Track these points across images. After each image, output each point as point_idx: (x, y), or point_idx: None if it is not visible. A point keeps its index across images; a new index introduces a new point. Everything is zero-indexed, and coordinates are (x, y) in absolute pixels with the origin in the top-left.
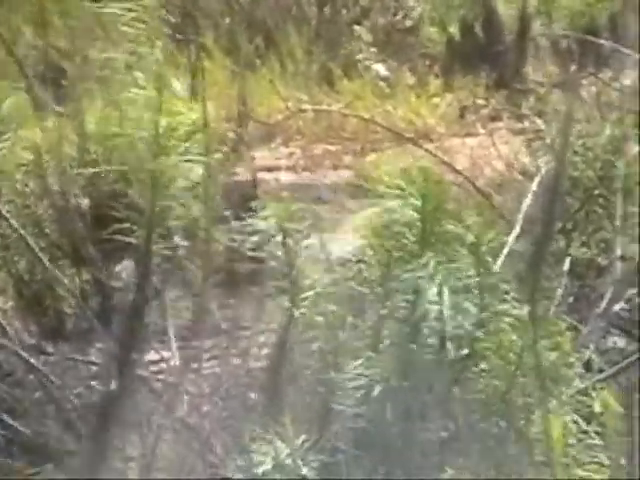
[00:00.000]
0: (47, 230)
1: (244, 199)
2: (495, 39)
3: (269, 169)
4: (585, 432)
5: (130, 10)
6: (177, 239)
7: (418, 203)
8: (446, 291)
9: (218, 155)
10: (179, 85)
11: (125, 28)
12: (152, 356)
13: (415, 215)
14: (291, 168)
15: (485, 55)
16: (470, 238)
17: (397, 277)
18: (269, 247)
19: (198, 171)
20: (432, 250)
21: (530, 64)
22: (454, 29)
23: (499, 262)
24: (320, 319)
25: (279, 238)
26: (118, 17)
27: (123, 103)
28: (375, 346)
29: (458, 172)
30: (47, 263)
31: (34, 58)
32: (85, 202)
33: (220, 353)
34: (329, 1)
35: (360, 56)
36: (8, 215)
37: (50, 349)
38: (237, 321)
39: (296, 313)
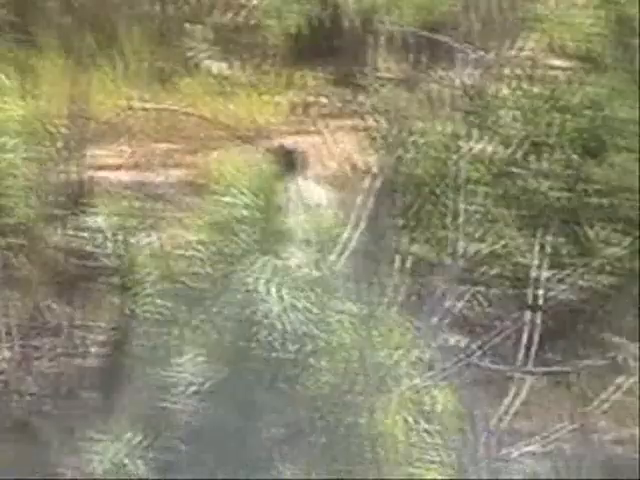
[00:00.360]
0: None
1: (77, 197)
2: (336, 33)
3: (110, 167)
4: (422, 430)
5: None
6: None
7: (252, 200)
8: (276, 289)
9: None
10: (8, 82)
11: None
12: None
13: (249, 212)
14: (132, 167)
15: (326, 50)
16: (307, 235)
17: (231, 274)
18: (103, 244)
19: (30, 169)
20: (266, 247)
21: (372, 59)
22: (294, 22)
23: (341, 260)
24: (154, 316)
25: (112, 235)
26: None
27: None
28: (209, 344)
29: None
30: None
31: None
32: None
33: (58, 352)
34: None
35: (201, 55)
36: None
37: None
38: (72, 319)
39: (130, 310)
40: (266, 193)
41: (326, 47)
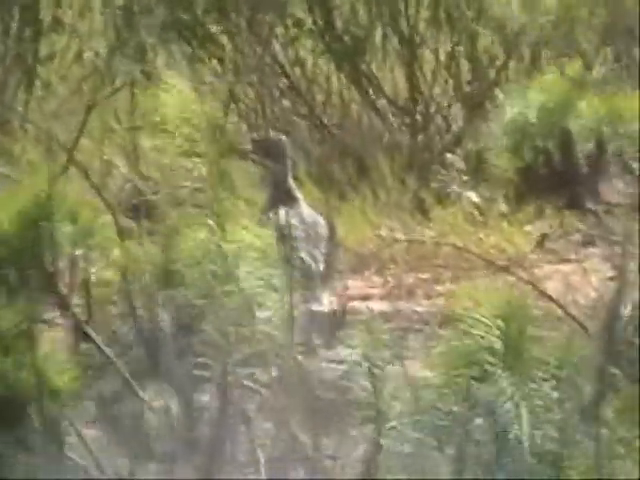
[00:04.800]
0: (132, 351)
1: (334, 328)
2: (571, 163)
3: (362, 297)
4: None
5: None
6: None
7: (501, 329)
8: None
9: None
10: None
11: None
12: None
13: (499, 342)
14: (384, 297)
15: (561, 179)
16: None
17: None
18: (355, 376)
19: (282, 298)
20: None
21: (605, 186)
22: (529, 156)
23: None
24: (405, 448)
25: (365, 366)
26: None
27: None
28: (460, 472)
29: (550, 298)
30: (134, 385)
31: (126, 190)
32: (168, 322)
33: None
34: (421, 129)
35: (452, 184)
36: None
37: (142, 474)
38: (323, 449)
39: (382, 442)
40: (517, 323)
41: (560, 176)
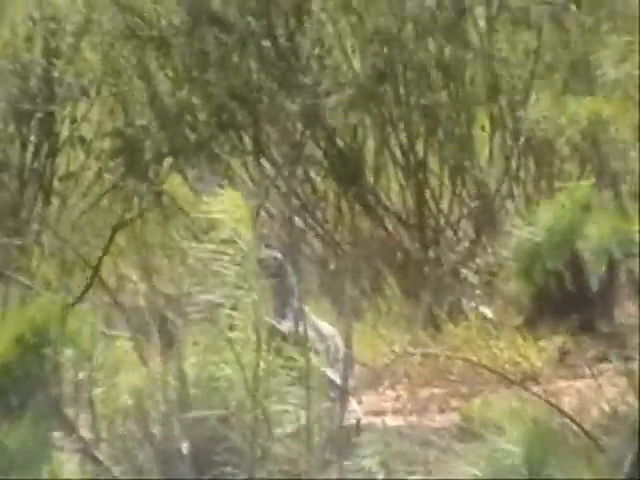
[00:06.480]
0: (148, 476)
1: (348, 443)
2: (582, 284)
3: (376, 412)
4: None
5: (224, 253)
6: None
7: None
8: None
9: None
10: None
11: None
12: None
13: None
14: (398, 411)
15: (573, 301)
16: None
17: None
18: None
19: (302, 415)
20: None
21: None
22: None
23: None
24: None
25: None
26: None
27: (222, 345)
28: None
29: (565, 415)
30: None
31: (140, 304)
32: (186, 446)
33: None
34: (433, 243)
35: (466, 299)
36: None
37: None
38: None
39: None
40: (537, 441)
41: (572, 296)
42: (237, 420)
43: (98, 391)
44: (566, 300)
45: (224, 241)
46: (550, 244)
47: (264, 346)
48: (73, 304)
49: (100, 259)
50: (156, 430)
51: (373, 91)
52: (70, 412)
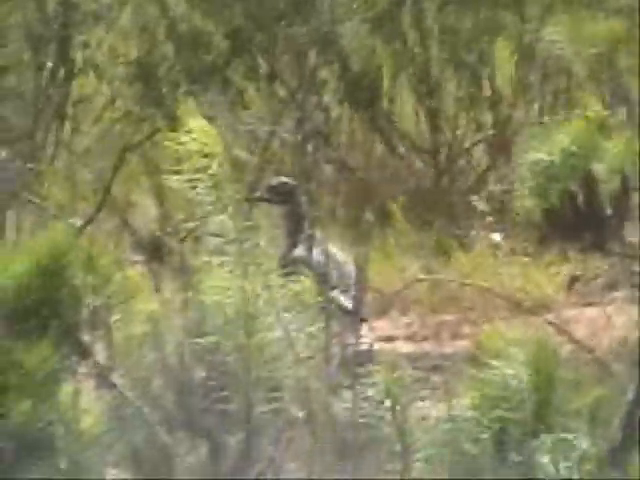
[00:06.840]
0: (163, 401)
1: (357, 368)
2: (595, 206)
3: (387, 339)
4: None
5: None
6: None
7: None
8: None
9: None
10: None
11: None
12: None
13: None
14: (408, 338)
15: (584, 221)
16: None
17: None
18: (380, 414)
19: (310, 342)
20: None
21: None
22: (553, 197)
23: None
24: None
25: (388, 404)
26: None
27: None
28: None
29: (576, 342)
30: (164, 436)
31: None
32: (201, 373)
33: None
34: (446, 171)
35: (476, 226)
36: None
37: None
38: None
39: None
40: (545, 366)
41: (585, 219)
42: (244, 348)
43: (114, 317)
44: (578, 221)
45: (198, 170)
46: (565, 164)
47: (272, 274)
48: (84, 226)
49: (111, 179)
50: (172, 357)
51: (389, 15)
52: (86, 337)
